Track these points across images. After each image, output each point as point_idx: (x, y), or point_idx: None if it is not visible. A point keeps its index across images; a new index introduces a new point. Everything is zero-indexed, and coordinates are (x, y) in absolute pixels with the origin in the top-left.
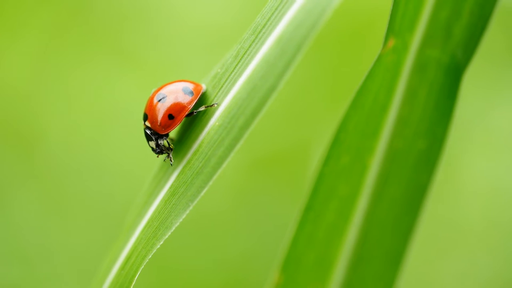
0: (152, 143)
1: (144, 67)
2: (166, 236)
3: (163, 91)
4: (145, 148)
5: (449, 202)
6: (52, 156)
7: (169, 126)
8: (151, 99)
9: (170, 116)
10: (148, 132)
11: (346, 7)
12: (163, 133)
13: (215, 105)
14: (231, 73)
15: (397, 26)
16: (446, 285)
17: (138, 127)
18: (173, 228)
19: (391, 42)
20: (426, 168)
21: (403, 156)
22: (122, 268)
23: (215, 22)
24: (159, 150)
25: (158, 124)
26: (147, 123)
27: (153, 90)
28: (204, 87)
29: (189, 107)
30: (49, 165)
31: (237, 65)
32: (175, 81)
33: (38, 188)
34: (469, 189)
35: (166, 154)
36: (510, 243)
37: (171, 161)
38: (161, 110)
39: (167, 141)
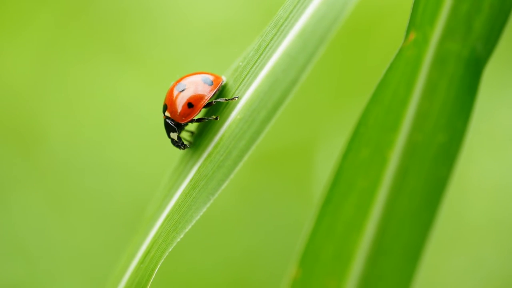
0: (172, 134)
1: (147, 65)
2: (187, 230)
3: (184, 82)
4: (148, 145)
5: (453, 199)
6: (54, 155)
7: (188, 115)
8: (171, 90)
9: (190, 105)
10: (168, 122)
11: None
12: (183, 122)
13: (236, 98)
14: (253, 66)
15: (418, 19)
16: (450, 281)
17: (141, 125)
18: (194, 222)
19: (412, 36)
20: (445, 161)
21: (422, 150)
22: (142, 262)
23: (217, 19)
24: (178, 141)
25: (178, 113)
26: (167, 113)
27: (172, 82)
28: (224, 79)
29: (208, 96)
30: (51, 164)
31: (258, 58)
32: (195, 73)
33: (40, 187)
34: (473, 186)
35: (185, 145)
36: None
37: (185, 147)
38: (181, 99)
39: (186, 134)
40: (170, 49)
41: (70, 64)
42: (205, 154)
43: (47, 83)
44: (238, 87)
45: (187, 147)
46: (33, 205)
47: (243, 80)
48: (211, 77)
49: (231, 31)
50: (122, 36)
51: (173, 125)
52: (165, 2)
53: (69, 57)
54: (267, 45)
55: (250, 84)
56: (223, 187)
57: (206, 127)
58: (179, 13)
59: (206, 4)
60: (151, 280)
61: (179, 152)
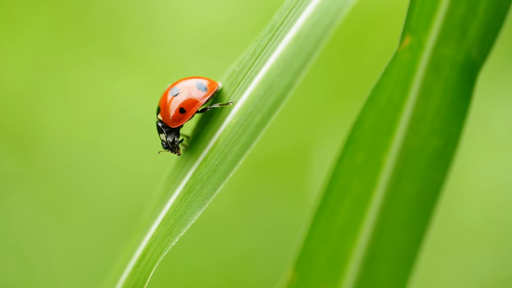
0: (163, 136)
1: (142, 67)
2: (182, 234)
3: (178, 86)
4: (143, 148)
5: (450, 200)
6: (50, 156)
7: (180, 120)
8: (166, 93)
9: (182, 110)
10: (160, 125)
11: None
12: (174, 127)
13: (231, 103)
14: (248, 70)
15: (414, 24)
16: (447, 282)
17: (137, 127)
18: (189, 226)
19: (407, 40)
20: (440, 166)
21: (417, 154)
22: (137, 265)
23: (212, 22)
24: (167, 144)
25: (170, 117)
26: (159, 116)
27: (168, 85)
28: (219, 84)
29: (201, 102)
30: (47, 165)
31: (254, 62)
32: (190, 77)
33: (36, 188)
34: (469, 187)
35: (176, 149)
36: (510, 241)
37: (179, 153)
38: (174, 104)
39: (179, 138)
40: (167, 52)
41: (66, 65)
42: (200, 158)
43: (43, 85)
44: (233, 91)
45: (178, 153)
46: (29, 206)
47: (238, 84)
48: (206, 83)
49: (227, 34)
50: (119, 38)
51: (164, 128)
52: (162, 5)
53: (65, 59)
54: (263, 49)
55: (245, 88)
56: (218, 191)
57: (202, 131)
58: (176, 16)
59: (203, 7)
60: (146, 284)
61: (174, 154)
